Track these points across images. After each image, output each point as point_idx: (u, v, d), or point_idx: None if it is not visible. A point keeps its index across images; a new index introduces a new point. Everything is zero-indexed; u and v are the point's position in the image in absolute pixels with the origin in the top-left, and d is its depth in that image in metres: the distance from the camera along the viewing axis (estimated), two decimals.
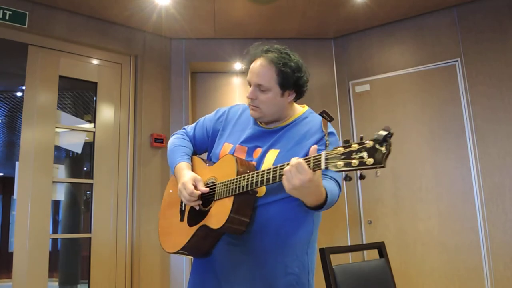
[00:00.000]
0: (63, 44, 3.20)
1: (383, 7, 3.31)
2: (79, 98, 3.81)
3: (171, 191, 1.64)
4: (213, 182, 1.44)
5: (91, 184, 3.21)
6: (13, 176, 3.15)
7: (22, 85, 3.12)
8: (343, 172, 1.05)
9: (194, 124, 1.70)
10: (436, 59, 3.36)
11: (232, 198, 1.31)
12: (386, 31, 3.59)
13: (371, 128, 3.53)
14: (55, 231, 4.31)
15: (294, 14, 3.37)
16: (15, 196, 2.93)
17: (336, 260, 1.82)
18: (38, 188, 2.95)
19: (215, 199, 1.39)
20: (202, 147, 1.67)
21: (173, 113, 3.61)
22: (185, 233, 1.44)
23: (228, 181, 1.35)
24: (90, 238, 3.13)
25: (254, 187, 1.27)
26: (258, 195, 1.37)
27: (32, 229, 2.88)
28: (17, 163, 2.94)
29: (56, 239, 3.95)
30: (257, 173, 1.28)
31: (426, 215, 3.23)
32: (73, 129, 3.33)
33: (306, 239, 1.44)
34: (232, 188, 1.32)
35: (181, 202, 1.54)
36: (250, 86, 1.45)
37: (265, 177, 1.24)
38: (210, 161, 1.58)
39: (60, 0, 3.07)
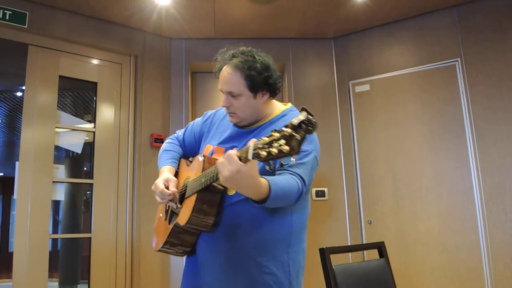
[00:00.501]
0: (63, 44, 3.20)
1: (383, 7, 3.31)
2: (79, 98, 3.81)
3: None
4: (188, 181, 1.51)
5: (91, 184, 3.21)
6: (13, 176, 3.16)
7: (22, 85, 3.12)
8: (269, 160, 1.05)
9: (184, 129, 1.77)
10: (436, 59, 3.36)
11: (195, 196, 1.37)
12: (386, 31, 3.59)
13: (371, 128, 3.53)
14: (55, 231, 4.31)
15: (294, 14, 3.37)
16: (15, 196, 2.93)
17: (336, 260, 1.82)
18: (38, 188, 2.94)
19: (185, 197, 1.46)
20: (192, 151, 1.73)
21: (173, 113, 3.61)
22: (166, 231, 1.51)
23: (194, 179, 1.41)
24: (90, 238, 3.13)
25: (210, 182, 1.30)
26: (229, 193, 1.40)
27: (32, 229, 2.88)
28: (17, 163, 2.94)
29: (56, 239, 3.95)
30: (214, 168, 1.29)
31: (426, 215, 3.23)
32: (73, 129, 3.33)
33: (284, 239, 1.43)
34: (196, 186, 1.38)
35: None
36: (223, 96, 1.50)
37: (216, 172, 1.26)
38: None
39: (60, 0, 3.07)
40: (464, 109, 3.19)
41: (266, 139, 1.03)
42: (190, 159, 1.74)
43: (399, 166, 3.38)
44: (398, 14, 3.46)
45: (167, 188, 1.49)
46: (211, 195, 1.37)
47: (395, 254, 3.23)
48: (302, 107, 1.37)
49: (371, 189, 3.46)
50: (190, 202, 1.39)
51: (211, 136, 1.62)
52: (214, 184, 1.33)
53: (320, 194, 3.52)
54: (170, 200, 1.50)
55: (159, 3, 3.14)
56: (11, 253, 2.91)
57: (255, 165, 1.14)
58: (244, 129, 1.53)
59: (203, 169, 1.39)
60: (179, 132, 1.78)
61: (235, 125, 1.55)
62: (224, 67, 1.48)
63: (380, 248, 2.01)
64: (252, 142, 1.08)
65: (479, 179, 3.07)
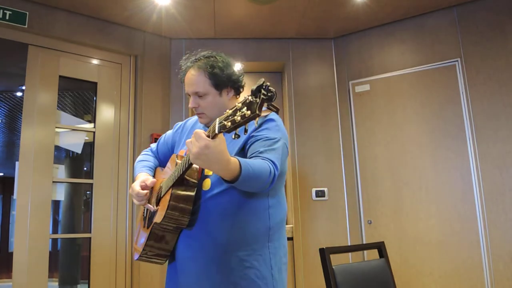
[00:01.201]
0: (63, 44, 3.20)
1: (383, 7, 3.31)
2: (79, 98, 3.81)
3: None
4: (163, 183, 1.54)
5: (91, 184, 3.21)
6: (13, 176, 3.16)
7: (22, 85, 3.12)
8: (235, 130, 1.09)
9: (157, 142, 1.84)
10: (436, 59, 3.36)
11: (170, 191, 1.39)
12: (386, 31, 3.59)
13: (371, 128, 3.53)
14: (55, 231, 4.31)
15: (294, 14, 3.37)
16: (15, 196, 2.93)
17: (336, 260, 1.82)
18: (38, 188, 2.95)
19: (161, 196, 1.48)
20: (166, 161, 1.76)
21: (173, 113, 3.61)
22: (145, 236, 1.51)
23: (169, 176, 1.45)
24: (90, 238, 3.13)
25: (181, 172, 1.34)
26: (204, 188, 1.43)
27: (32, 229, 2.88)
28: (17, 163, 2.94)
29: (56, 239, 3.95)
30: (184, 158, 1.35)
31: (426, 215, 3.23)
32: (73, 129, 3.33)
33: (263, 233, 1.45)
34: (170, 181, 1.41)
35: (144, 210, 1.66)
36: (190, 99, 1.56)
37: (186, 159, 1.31)
38: None
39: (60, 0, 3.07)
40: (464, 109, 3.20)
41: (230, 111, 1.08)
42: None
43: (399, 166, 3.38)
44: (398, 14, 3.46)
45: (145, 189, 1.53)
46: (186, 189, 1.39)
47: (395, 254, 3.23)
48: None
49: (371, 189, 3.46)
50: (165, 199, 1.41)
51: (183, 143, 1.67)
52: (187, 177, 1.38)
53: (320, 194, 3.52)
54: (148, 203, 1.53)
55: (159, 3, 3.14)
56: (11, 253, 2.91)
57: (223, 141, 1.17)
58: None
59: (176, 165, 1.43)
60: (153, 145, 1.84)
61: (205, 127, 1.60)
62: (188, 70, 1.55)
63: (380, 248, 2.01)
64: (217, 118, 1.12)
65: (479, 179, 3.07)
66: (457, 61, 3.27)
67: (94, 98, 3.37)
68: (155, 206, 1.51)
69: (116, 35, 3.42)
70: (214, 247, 1.41)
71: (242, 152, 1.45)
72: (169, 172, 1.52)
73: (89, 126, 3.40)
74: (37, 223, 2.91)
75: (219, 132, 1.10)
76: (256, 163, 1.30)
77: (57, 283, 3.99)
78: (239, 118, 1.05)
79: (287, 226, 3.44)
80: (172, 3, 3.15)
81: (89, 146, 3.36)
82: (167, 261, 1.60)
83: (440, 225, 3.17)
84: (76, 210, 3.95)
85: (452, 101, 3.26)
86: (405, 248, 3.26)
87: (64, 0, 3.06)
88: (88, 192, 3.59)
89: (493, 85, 3.12)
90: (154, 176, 1.68)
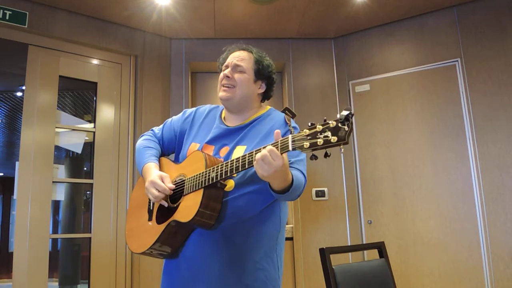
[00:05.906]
0: (63, 44, 3.20)
1: (383, 7, 3.31)
2: (79, 98, 3.81)
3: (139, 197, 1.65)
4: (181, 179, 1.46)
5: (91, 184, 3.21)
6: (13, 176, 3.16)
7: (22, 85, 3.12)
8: (310, 152, 1.11)
9: (161, 126, 1.74)
10: (436, 59, 3.36)
11: (201, 191, 1.33)
12: (386, 31, 3.59)
13: (371, 128, 3.53)
14: (55, 231, 4.31)
15: (294, 14, 3.37)
16: (15, 196, 2.93)
17: (336, 260, 1.82)
18: (38, 188, 2.95)
19: (184, 194, 1.42)
20: (170, 148, 1.70)
21: (173, 113, 3.61)
22: (154, 231, 1.45)
23: (197, 174, 1.38)
24: (90, 238, 3.13)
25: (223, 176, 1.30)
26: (226, 189, 1.40)
27: (32, 229, 2.88)
28: (17, 163, 2.94)
29: (56, 239, 3.95)
30: (226, 163, 1.31)
31: (426, 215, 3.23)
32: (73, 129, 3.33)
33: (274, 236, 1.47)
34: (201, 181, 1.35)
35: (149, 201, 1.56)
36: (226, 69, 1.58)
37: (234, 166, 1.27)
38: (177, 161, 1.61)
39: (60, 0, 3.07)
40: (464, 109, 3.20)
41: (307, 131, 1.09)
42: (166, 156, 1.70)
43: (399, 166, 3.38)
44: (398, 14, 3.46)
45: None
46: (216, 191, 1.36)
47: (395, 254, 3.23)
48: (285, 107, 1.41)
49: (371, 189, 3.46)
50: (193, 200, 1.35)
51: (194, 134, 1.60)
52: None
53: (320, 194, 3.52)
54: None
55: (159, 3, 3.15)
56: (11, 253, 2.92)
57: (287, 156, 1.22)
58: (233, 127, 1.54)
59: (206, 166, 1.36)
60: (156, 129, 1.73)
61: (221, 123, 1.58)
62: (239, 50, 1.62)
63: (380, 248, 2.01)
64: (290, 135, 1.13)
65: (479, 179, 3.07)
66: (457, 61, 3.27)
67: (94, 98, 3.37)
68: (170, 203, 1.45)
69: (116, 35, 3.42)
70: (230, 248, 1.39)
71: None
72: (192, 163, 1.44)
73: (89, 126, 3.40)
74: (37, 223, 2.91)
75: (293, 150, 1.11)
76: (297, 175, 1.32)
77: (57, 283, 4.00)
78: (322, 141, 1.05)
79: (287, 226, 3.44)
80: (172, 3, 3.15)
81: (89, 146, 3.36)
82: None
83: (440, 225, 3.17)
84: (76, 210, 3.96)
85: (452, 101, 3.26)
86: (405, 248, 3.26)
87: (64, 0, 3.06)
88: (88, 192, 3.59)
89: (493, 85, 3.12)
90: (159, 166, 1.60)
